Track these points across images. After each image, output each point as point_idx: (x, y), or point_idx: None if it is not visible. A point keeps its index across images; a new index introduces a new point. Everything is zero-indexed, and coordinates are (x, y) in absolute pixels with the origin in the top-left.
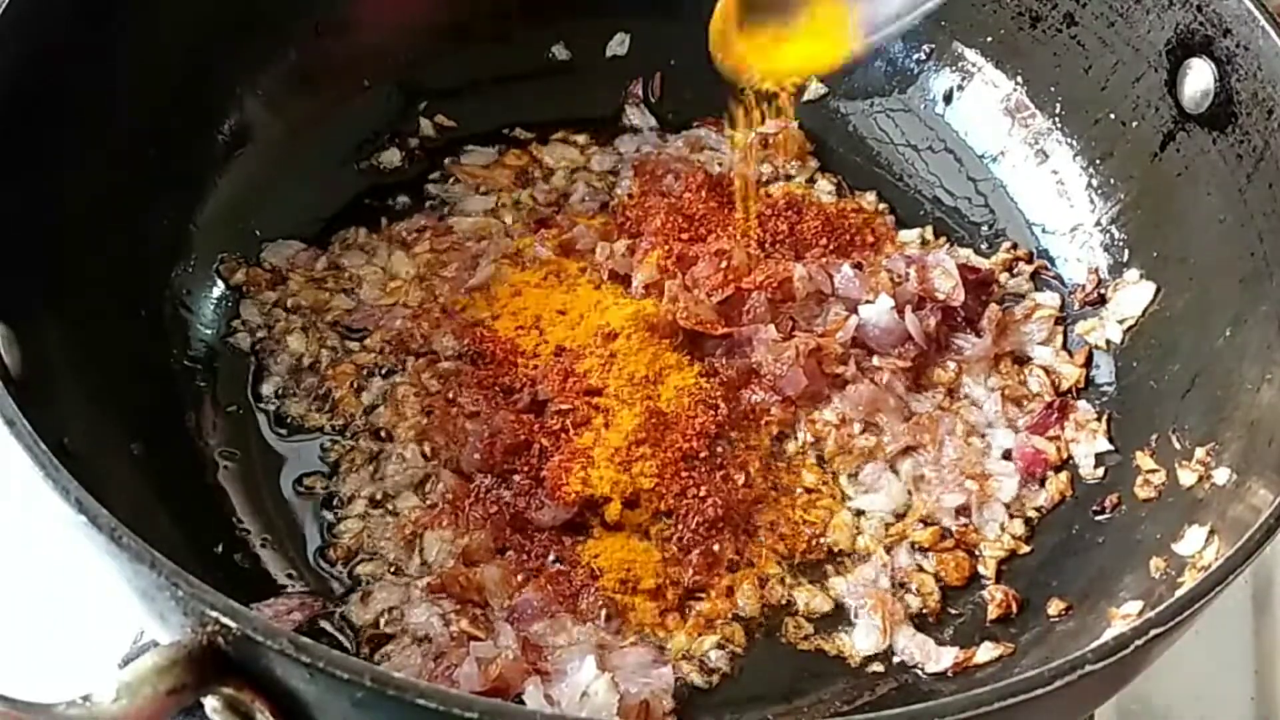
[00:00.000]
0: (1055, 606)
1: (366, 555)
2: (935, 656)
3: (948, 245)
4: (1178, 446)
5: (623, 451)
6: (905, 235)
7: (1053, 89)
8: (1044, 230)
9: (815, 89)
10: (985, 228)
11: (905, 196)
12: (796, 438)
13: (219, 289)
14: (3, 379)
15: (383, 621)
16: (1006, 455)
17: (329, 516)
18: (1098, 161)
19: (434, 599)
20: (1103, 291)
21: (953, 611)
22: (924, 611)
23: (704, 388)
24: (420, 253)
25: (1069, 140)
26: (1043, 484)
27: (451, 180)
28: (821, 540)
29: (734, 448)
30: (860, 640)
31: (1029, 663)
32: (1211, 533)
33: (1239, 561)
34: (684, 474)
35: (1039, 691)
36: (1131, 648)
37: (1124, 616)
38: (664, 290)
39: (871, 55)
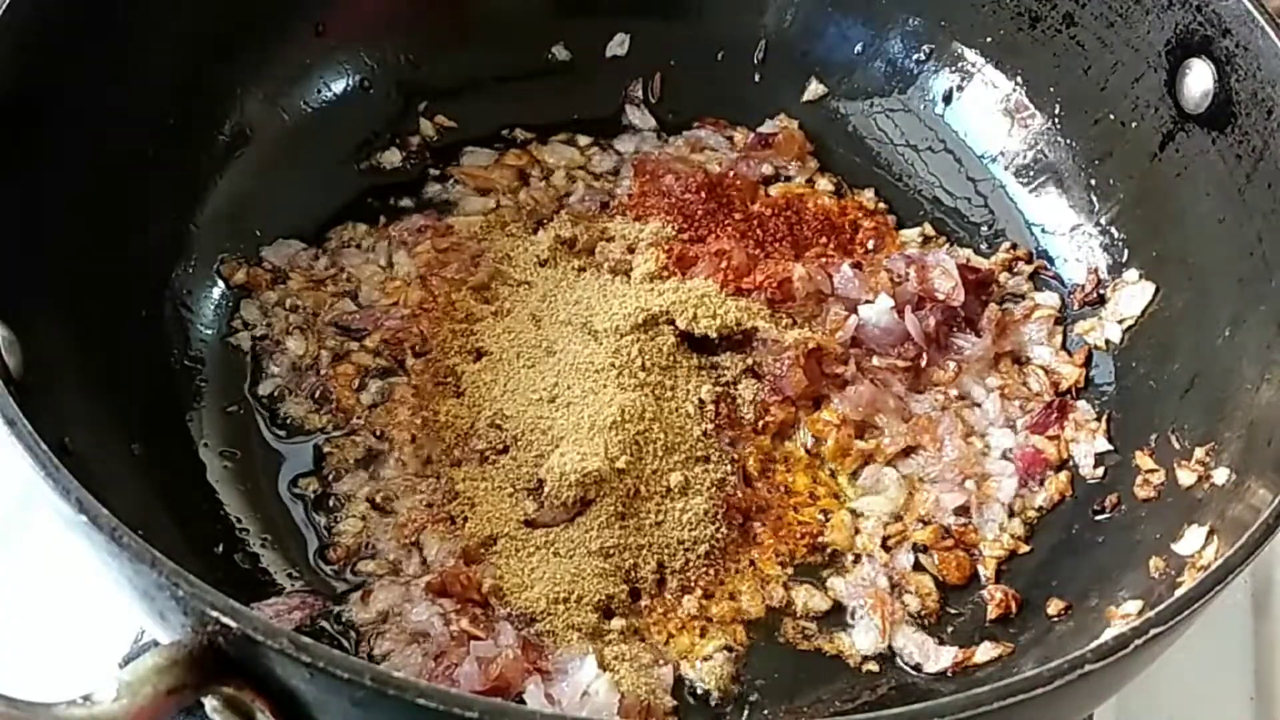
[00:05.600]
0: (1054, 606)
1: (366, 555)
2: (934, 656)
3: (947, 245)
4: (1177, 446)
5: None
6: (905, 235)
7: (1052, 89)
8: (1043, 230)
9: (815, 89)
10: (985, 228)
11: (905, 197)
12: (796, 438)
13: (219, 289)
14: (3, 379)
15: (383, 621)
16: (1006, 455)
17: (328, 516)
18: (1097, 161)
19: (434, 598)
20: (1102, 291)
21: (952, 611)
22: (923, 611)
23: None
24: (420, 253)
25: (1069, 140)
26: (1042, 484)
27: (451, 180)
28: (821, 540)
29: (734, 448)
30: (860, 640)
31: (1028, 663)
32: (1211, 533)
33: (1238, 561)
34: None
35: (1039, 691)
36: (1131, 648)
37: (1123, 616)
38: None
39: (872, 55)
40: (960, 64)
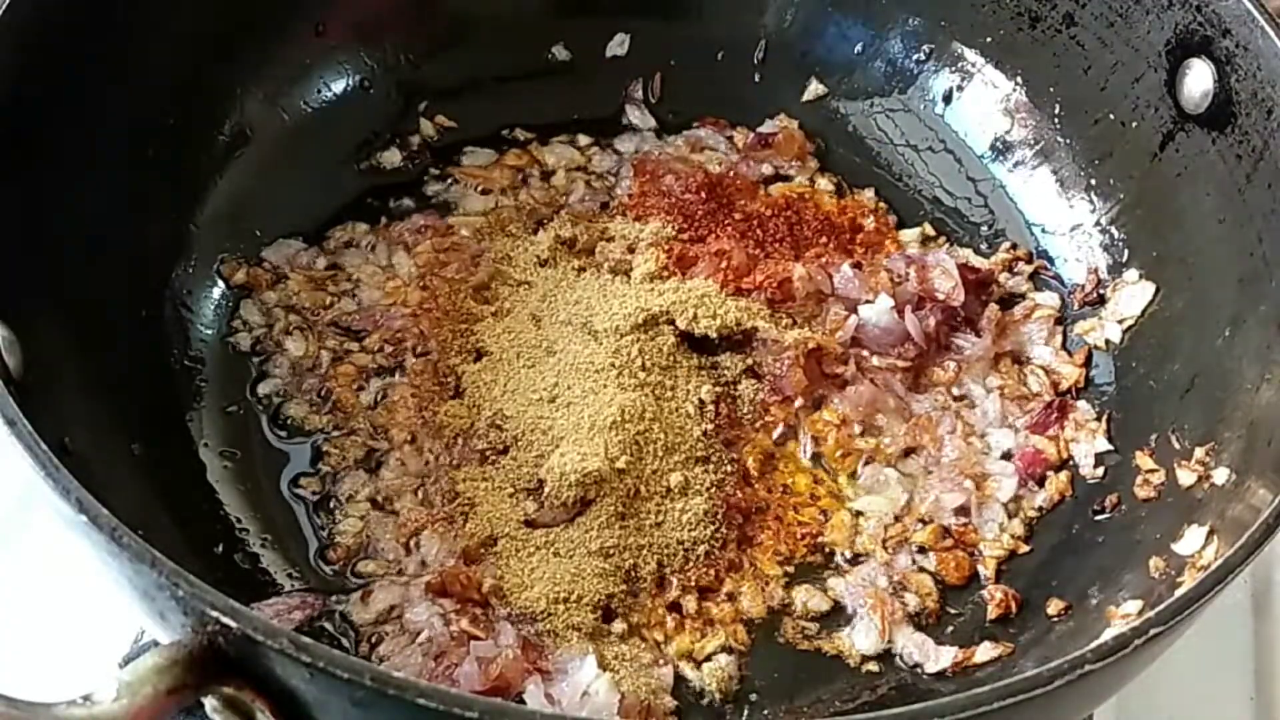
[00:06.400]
0: (1054, 606)
1: (367, 555)
2: (934, 656)
3: (947, 245)
4: (1177, 446)
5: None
6: (905, 235)
7: (1052, 89)
8: (1043, 230)
9: (815, 89)
10: (985, 228)
11: (905, 197)
12: (796, 438)
13: (219, 289)
14: (3, 379)
15: (383, 621)
16: (1006, 455)
17: (328, 516)
18: (1097, 161)
19: (434, 598)
20: (1102, 291)
21: (952, 611)
22: (923, 611)
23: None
24: (420, 253)
25: (1069, 140)
26: (1042, 484)
27: (451, 180)
28: (821, 540)
29: (734, 448)
30: (859, 640)
31: (1028, 663)
32: (1211, 532)
33: (1238, 561)
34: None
35: (1039, 691)
36: (1131, 648)
37: (1123, 616)
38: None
39: (872, 55)
40: (960, 64)
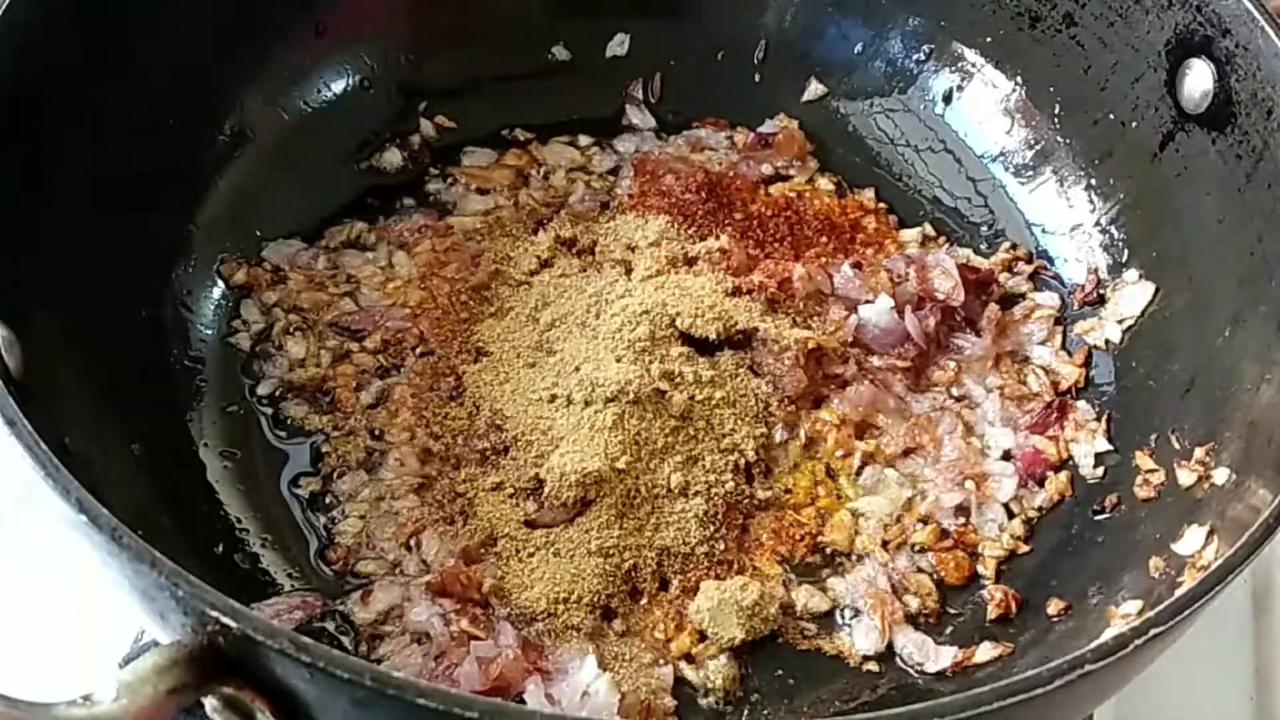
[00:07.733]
0: (1054, 606)
1: (367, 555)
2: (934, 656)
3: (947, 245)
4: (1177, 446)
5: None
6: (905, 235)
7: (1052, 89)
8: (1043, 230)
9: (815, 89)
10: (985, 228)
11: (905, 197)
12: (796, 438)
13: (219, 289)
14: (3, 379)
15: (383, 621)
16: (1006, 455)
17: (328, 516)
18: (1097, 161)
19: (434, 598)
20: (1102, 291)
21: (952, 611)
22: (923, 611)
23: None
24: (420, 253)
25: (1069, 140)
26: (1042, 484)
27: (451, 180)
28: (821, 540)
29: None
30: (859, 640)
31: (1028, 662)
32: (1211, 532)
33: (1238, 561)
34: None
35: (1039, 691)
36: (1131, 648)
37: (1123, 616)
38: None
39: (872, 55)
40: (960, 64)
